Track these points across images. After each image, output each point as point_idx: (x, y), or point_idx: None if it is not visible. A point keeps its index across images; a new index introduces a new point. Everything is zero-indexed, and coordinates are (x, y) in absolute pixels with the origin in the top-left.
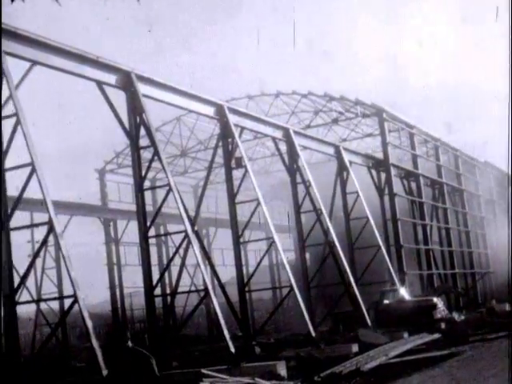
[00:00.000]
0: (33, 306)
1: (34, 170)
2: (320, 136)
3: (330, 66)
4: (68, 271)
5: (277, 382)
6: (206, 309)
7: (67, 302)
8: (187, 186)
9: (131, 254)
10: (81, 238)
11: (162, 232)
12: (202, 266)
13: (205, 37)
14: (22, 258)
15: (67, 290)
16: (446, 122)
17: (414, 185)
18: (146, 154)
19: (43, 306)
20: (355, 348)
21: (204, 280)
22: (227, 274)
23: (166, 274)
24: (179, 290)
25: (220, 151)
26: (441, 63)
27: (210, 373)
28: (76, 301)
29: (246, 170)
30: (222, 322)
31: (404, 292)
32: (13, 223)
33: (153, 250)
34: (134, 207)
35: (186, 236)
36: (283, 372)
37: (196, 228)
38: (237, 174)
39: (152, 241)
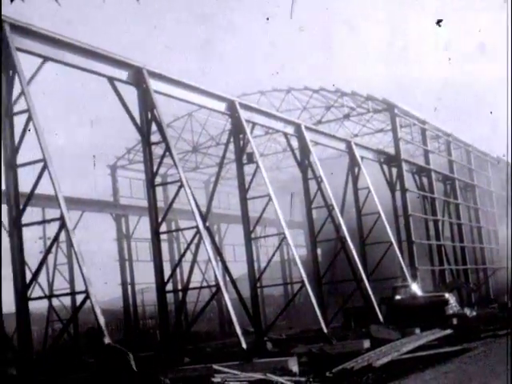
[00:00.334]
0: (45, 302)
1: (45, 166)
2: (331, 131)
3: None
4: (80, 267)
5: (288, 377)
6: (218, 305)
7: (79, 298)
8: (199, 182)
9: (143, 250)
10: (92, 234)
11: (174, 228)
12: (214, 262)
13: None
14: (34, 254)
15: (79, 286)
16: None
17: (425, 180)
18: (158, 150)
19: (55, 302)
20: (367, 344)
21: (215, 276)
22: (239, 269)
23: (178, 270)
24: (191, 285)
25: (231, 147)
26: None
27: (221, 368)
28: (88, 297)
29: (258, 166)
30: (234, 317)
31: (416, 288)
32: (25, 219)
33: (164, 246)
34: (145, 203)
35: (198, 232)
36: (295, 368)
37: (207, 224)
38: (248, 169)
39: (163, 237)
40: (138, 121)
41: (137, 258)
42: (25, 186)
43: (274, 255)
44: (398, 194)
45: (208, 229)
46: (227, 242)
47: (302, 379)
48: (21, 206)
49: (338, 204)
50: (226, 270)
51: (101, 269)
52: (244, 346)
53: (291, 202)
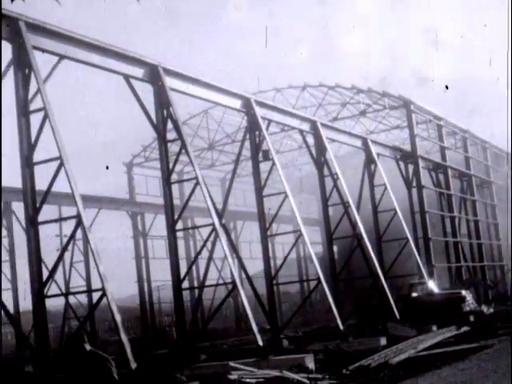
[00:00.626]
0: (61, 300)
1: (61, 164)
2: (347, 128)
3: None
4: (96, 265)
5: (305, 375)
6: (234, 302)
7: (96, 296)
8: (214, 179)
9: (159, 248)
10: (109, 232)
11: (190, 225)
12: (230, 259)
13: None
14: (50, 251)
15: (95, 283)
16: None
17: (442, 177)
18: (174, 148)
19: (72, 299)
20: (383, 341)
21: (232, 273)
22: (255, 267)
23: (194, 268)
24: (207, 283)
25: (247, 144)
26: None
27: (238, 366)
28: (104, 294)
29: (274, 163)
30: (250, 315)
31: (432, 285)
32: (41, 217)
33: (180, 244)
34: (161, 200)
35: (214, 229)
36: (311, 365)
37: (223, 221)
38: (264, 166)
39: (179, 234)
40: (154, 118)
41: (153, 255)
42: (41, 184)
43: (290, 252)
44: (414, 191)
45: (224, 226)
46: (243, 239)
47: (319, 376)
48: (37, 204)
49: (354, 201)
50: (242, 267)
51: (117, 266)
52: (260, 343)
53: None
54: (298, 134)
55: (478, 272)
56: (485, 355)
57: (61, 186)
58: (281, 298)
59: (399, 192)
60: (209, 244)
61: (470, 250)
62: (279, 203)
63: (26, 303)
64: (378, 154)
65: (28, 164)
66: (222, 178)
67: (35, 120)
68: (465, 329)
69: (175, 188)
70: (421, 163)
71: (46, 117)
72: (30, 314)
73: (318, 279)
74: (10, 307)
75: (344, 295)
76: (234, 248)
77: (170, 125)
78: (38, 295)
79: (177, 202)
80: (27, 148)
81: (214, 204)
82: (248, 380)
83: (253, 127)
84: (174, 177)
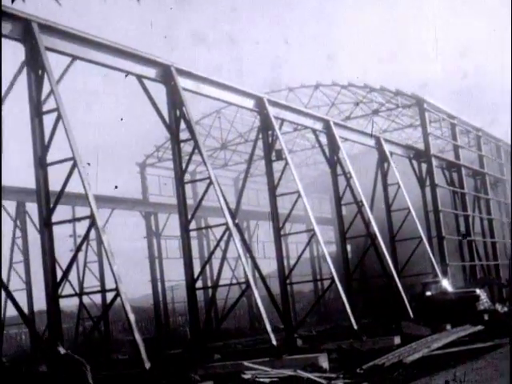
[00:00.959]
0: (75, 300)
1: (75, 165)
2: (360, 127)
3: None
4: (110, 265)
5: (319, 374)
6: (248, 301)
7: (109, 296)
8: (228, 179)
9: (172, 248)
10: (122, 232)
11: (203, 225)
12: (243, 259)
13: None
14: (64, 252)
15: (109, 283)
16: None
17: (455, 175)
18: (187, 148)
19: (86, 299)
20: (397, 340)
21: (245, 272)
22: (268, 266)
23: (208, 267)
24: (220, 282)
25: (260, 144)
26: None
27: (251, 365)
28: (118, 294)
29: (287, 163)
30: (264, 314)
31: (446, 284)
32: (55, 217)
33: (194, 243)
34: (174, 200)
35: (227, 229)
36: (325, 364)
37: (237, 221)
38: (277, 166)
39: (193, 234)
40: (167, 118)
41: (166, 255)
42: (55, 185)
43: (303, 252)
44: (427, 190)
45: (237, 226)
46: (256, 238)
47: (333, 375)
48: (51, 205)
49: (367, 200)
50: (255, 266)
51: (131, 266)
52: (274, 342)
53: None
54: (310, 133)
55: (492, 271)
56: (499, 354)
57: (74, 187)
58: (294, 298)
59: (412, 191)
60: (222, 244)
61: (484, 248)
62: (292, 203)
63: (41, 303)
64: (391, 153)
65: (41, 165)
66: (235, 177)
67: (48, 121)
68: (479, 328)
69: (188, 188)
70: (434, 162)
71: (59, 117)
72: (44, 315)
73: (332, 278)
74: (25, 307)
75: (358, 294)
76: (247, 247)
77: (182, 125)
78: (52, 295)
79: (190, 201)
80: (40, 149)
81: (227, 204)
82: (262, 379)
83: (266, 127)
84: (187, 177)
